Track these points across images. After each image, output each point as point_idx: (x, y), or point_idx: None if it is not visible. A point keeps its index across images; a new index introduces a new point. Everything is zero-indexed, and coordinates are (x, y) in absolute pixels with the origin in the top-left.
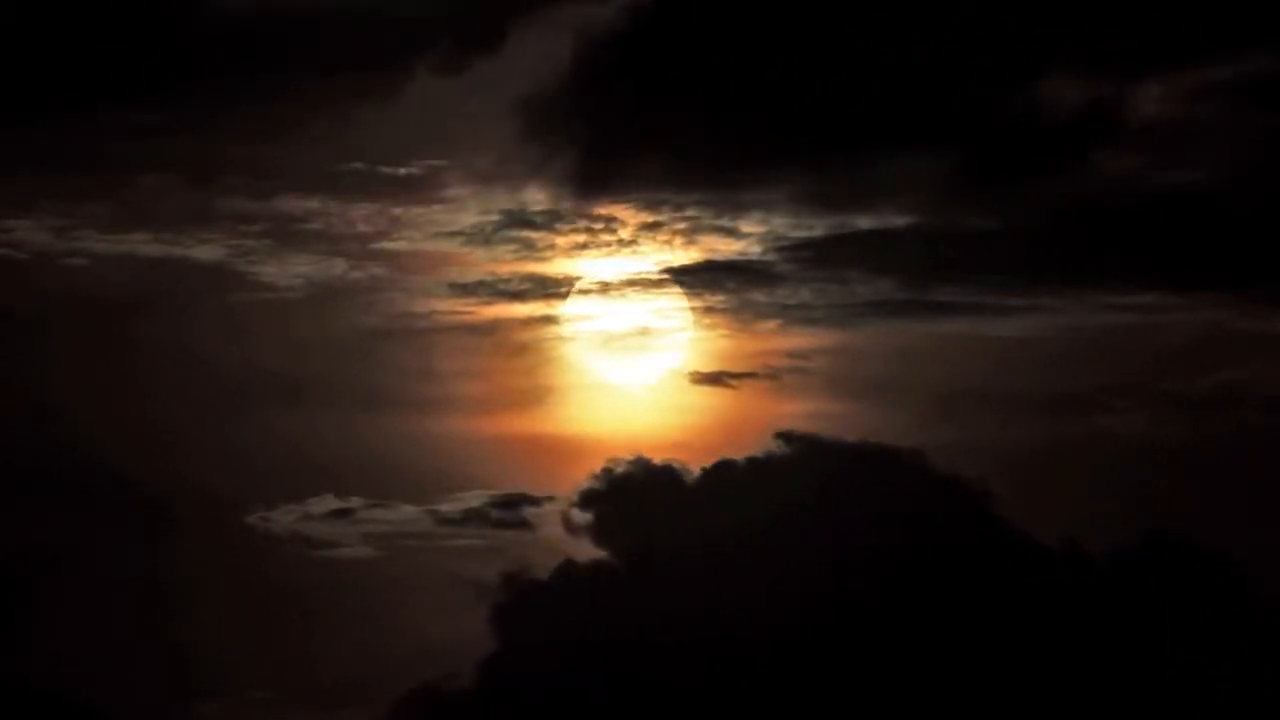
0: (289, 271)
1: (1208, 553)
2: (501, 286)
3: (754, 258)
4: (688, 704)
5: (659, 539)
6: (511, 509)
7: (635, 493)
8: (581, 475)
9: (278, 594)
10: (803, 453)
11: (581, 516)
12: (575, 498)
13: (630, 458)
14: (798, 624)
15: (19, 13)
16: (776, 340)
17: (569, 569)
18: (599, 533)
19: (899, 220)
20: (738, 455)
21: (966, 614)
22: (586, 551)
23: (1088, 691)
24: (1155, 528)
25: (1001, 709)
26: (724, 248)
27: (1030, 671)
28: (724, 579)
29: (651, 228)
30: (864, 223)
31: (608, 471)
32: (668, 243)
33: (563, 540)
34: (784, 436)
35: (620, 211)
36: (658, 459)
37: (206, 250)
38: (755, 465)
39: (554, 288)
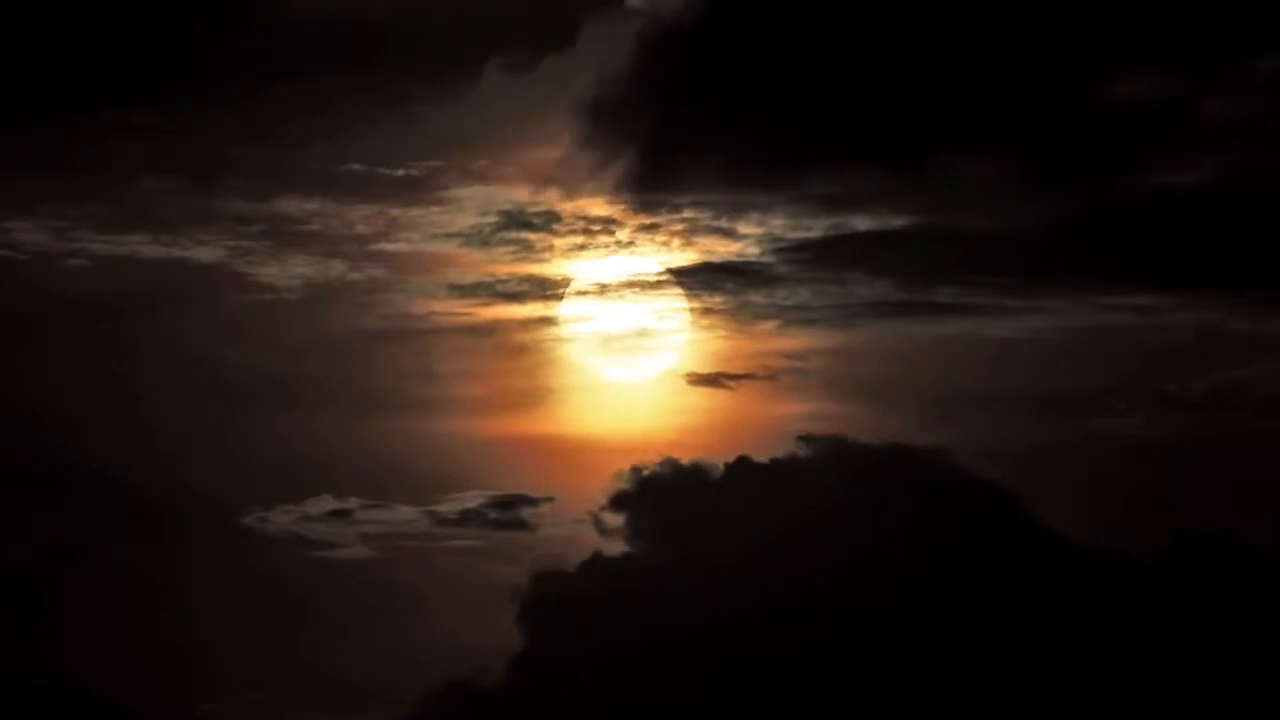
0: (288, 272)
1: (1240, 552)
2: (500, 288)
3: (752, 259)
4: (719, 700)
5: (690, 539)
6: (509, 510)
7: (665, 493)
8: (579, 476)
9: (276, 595)
10: (826, 453)
11: (612, 518)
12: (605, 500)
13: (659, 459)
14: (827, 622)
15: (19, 13)
16: (775, 341)
17: (596, 562)
18: (632, 534)
19: (897, 221)
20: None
21: (998, 614)
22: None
23: (1118, 690)
24: (1186, 528)
25: (1033, 708)
26: (722, 249)
27: (1060, 670)
28: (754, 579)
29: (649, 229)
30: (861, 224)
31: (636, 472)
32: (666, 244)
33: (560, 540)
34: (806, 439)
35: (618, 213)
36: (667, 460)
37: (205, 251)
38: (779, 466)
39: (552, 289)
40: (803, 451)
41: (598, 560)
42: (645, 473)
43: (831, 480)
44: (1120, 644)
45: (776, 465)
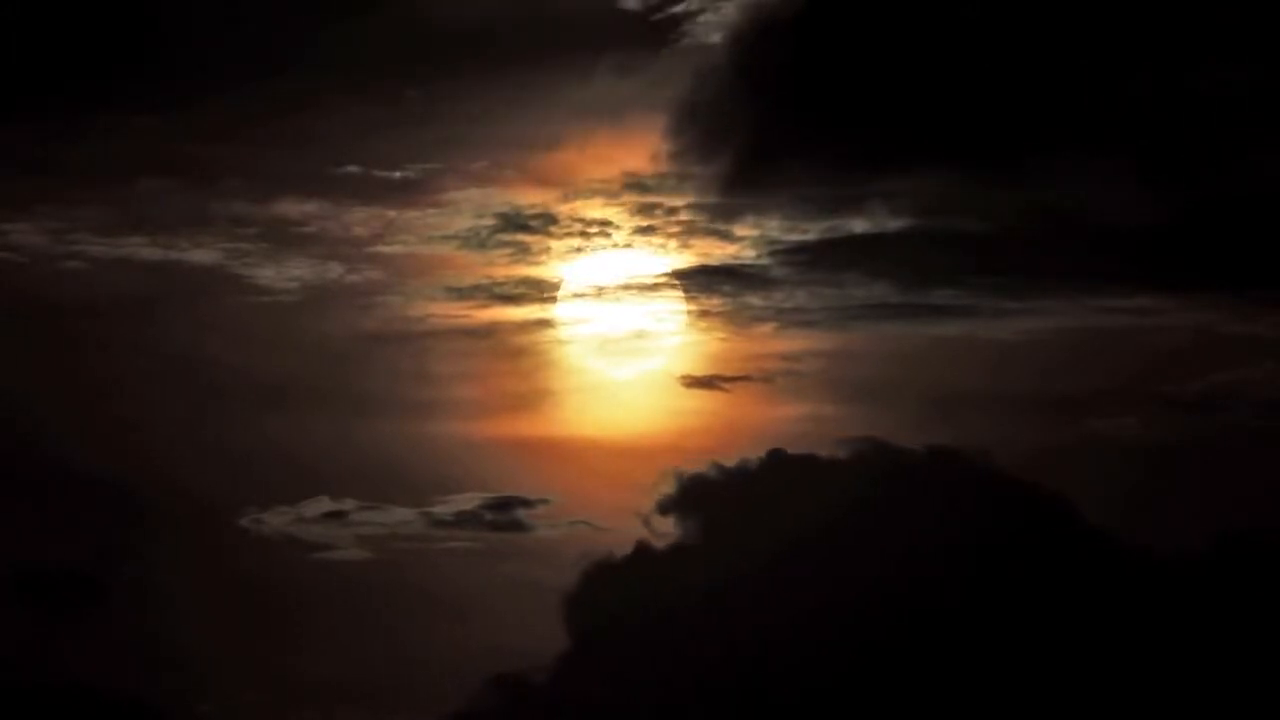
0: (285, 275)
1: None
2: (497, 290)
3: (749, 261)
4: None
5: (737, 540)
6: (505, 511)
7: (709, 497)
8: (575, 478)
9: (272, 596)
10: (865, 453)
11: (661, 523)
12: (654, 506)
13: (704, 465)
14: (872, 621)
15: (19, 13)
16: (772, 343)
17: (641, 560)
18: (682, 535)
19: (893, 223)
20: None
21: (1047, 614)
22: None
23: (1163, 690)
24: (1229, 529)
25: (1077, 707)
26: (718, 251)
27: (1104, 669)
28: (798, 578)
29: (646, 231)
30: (858, 226)
31: (679, 475)
32: (662, 246)
33: (557, 541)
34: (846, 442)
35: (615, 215)
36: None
37: (203, 253)
38: (818, 465)
39: (549, 291)
40: (842, 453)
41: (644, 558)
42: (689, 475)
43: (873, 480)
44: (1167, 643)
45: (816, 465)
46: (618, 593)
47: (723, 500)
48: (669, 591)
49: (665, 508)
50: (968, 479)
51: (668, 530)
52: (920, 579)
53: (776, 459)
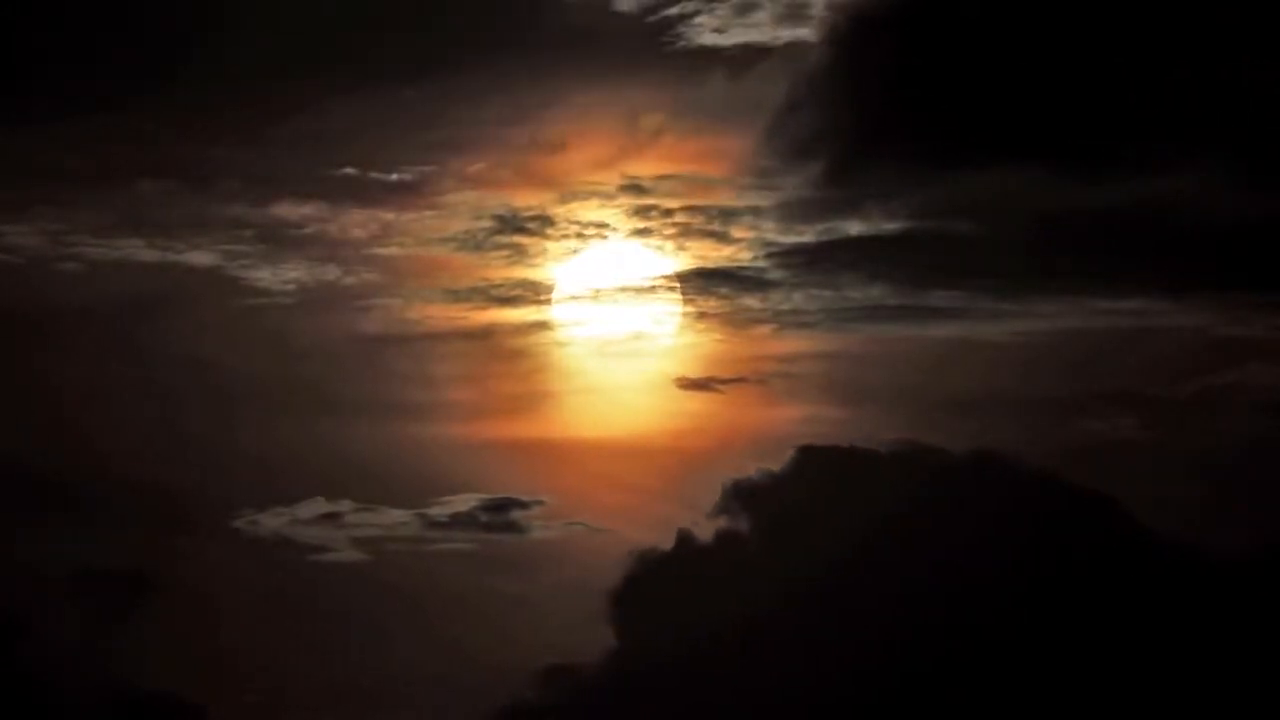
0: (282, 277)
1: None
2: (494, 292)
3: (745, 263)
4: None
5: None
6: (500, 513)
7: (763, 500)
8: (571, 479)
9: (268, 597)
10: (905, 456)
11: (712, 526)
12: (708, 513)
13: (755, 472)
14: (924, 624)
15: (18, 13)
16: (770, 345)
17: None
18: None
19: (890, 225)
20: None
21: (1103, 617)
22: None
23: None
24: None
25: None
26: (714, 253)
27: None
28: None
29: (642, 233)
30: (854, 228)
31: (727, 483)
32: (659, 248)
33: (552, 543)
34: (897, 443)
35: (611, 216)
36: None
37: (200, 255)
38: (878, 466)
39: (546, 293)
40: (895, 450)
41: (687, 556)
42: (737, 482)
43: (919, 483)
44: (1222, 644)
45: (861, 465)
46: (667, 591)
47: (770, 501)
48: (715, 591)
49: (715, 513)
50: (1009, 479)
51: (708, 537)
52: (965, 580)
53: (808, 456)
